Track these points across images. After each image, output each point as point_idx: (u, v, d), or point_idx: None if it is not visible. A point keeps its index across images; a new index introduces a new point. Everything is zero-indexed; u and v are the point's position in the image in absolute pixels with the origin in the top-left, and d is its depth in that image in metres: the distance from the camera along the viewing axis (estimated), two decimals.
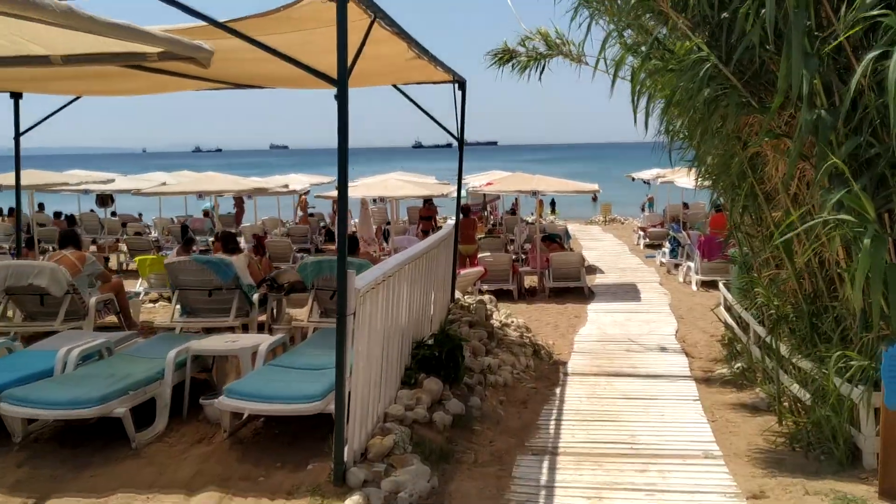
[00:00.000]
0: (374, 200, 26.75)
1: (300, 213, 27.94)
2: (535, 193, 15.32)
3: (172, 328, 8.43)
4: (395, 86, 9.95)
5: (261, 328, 8.87)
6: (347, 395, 4.86)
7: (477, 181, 24.19)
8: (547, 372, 8.98)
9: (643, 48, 8.43)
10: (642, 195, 44.53)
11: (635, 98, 7.84)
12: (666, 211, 27.79)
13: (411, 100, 9.85)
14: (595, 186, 16.16)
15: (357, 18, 5.40)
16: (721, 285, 11.09)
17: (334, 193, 16.72)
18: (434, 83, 9.84)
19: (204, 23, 4.59)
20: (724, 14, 5.59)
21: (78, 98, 9.96)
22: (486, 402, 7.05)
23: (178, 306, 8.72)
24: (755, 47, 5.18)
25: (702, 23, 6.01)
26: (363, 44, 5.16)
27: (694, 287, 15.71)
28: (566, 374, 8.94)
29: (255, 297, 8.53)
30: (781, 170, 5.81)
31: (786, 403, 6.87)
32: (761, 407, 7.33)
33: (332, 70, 4.72)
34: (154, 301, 13.32)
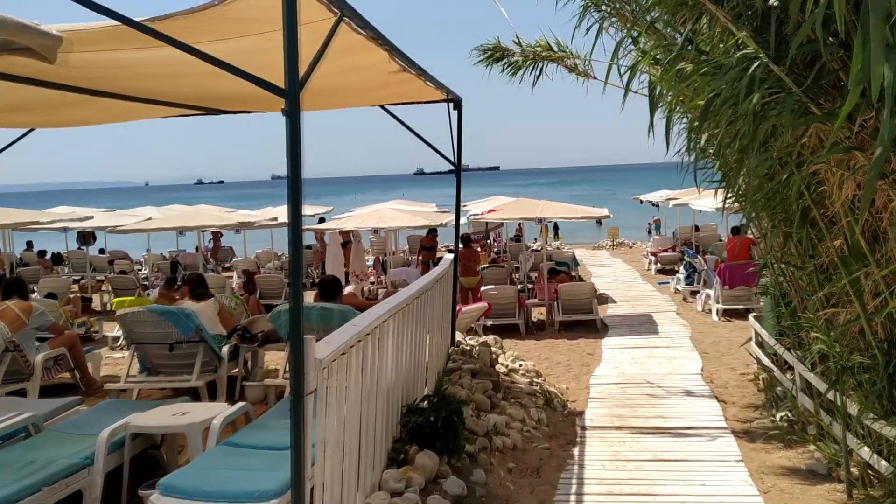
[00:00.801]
0: (375, 231, 25.70)
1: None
2: (540, 220, 14.26)
3: (130, 389, 7.32)
4: (383, 107, 8.93)
5: (233, 384, 7.77)
6: (310, 493, 3.76)
7: (479, 208, 23.20)
8: (562, 426, 7.84)
9: (660, 56, 7.44)
10: (649, 218, 43.51)
11: (653, 112, 6.83)
12: (676, 234, 26.69)
13: (402, 122, 8.84)
14: (604, 212, 15.10)
15: (318, 18, 4.38)
16: (752, 318, 9.96)
17: (323, 226, 15.68)
18: (426, 103, 8.82)
19: (114, 22, 3.56)
20: (774, 2, 4.54)
21: (31, 131, 8.98)
22: (491, 475, 5.91)
23: (137, 363, 7.62)
24: (817, 41, 4.12)
25: (743, 16, 4.96)
26: (325, 46, 4.10)
27: (714, 317, 14.57)
28: (584, 429, 7.79)
29: (225, 349, 7.42)
30: (847, 190, 4.72)
31: (853, 468, 5.72)
32: (820, 471, 6.18)
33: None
34: None
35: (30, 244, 31.05)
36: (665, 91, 7.06)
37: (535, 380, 8.93)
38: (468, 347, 8.91)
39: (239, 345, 7.56)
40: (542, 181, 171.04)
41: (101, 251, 27.57)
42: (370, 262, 24.50)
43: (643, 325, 14.26)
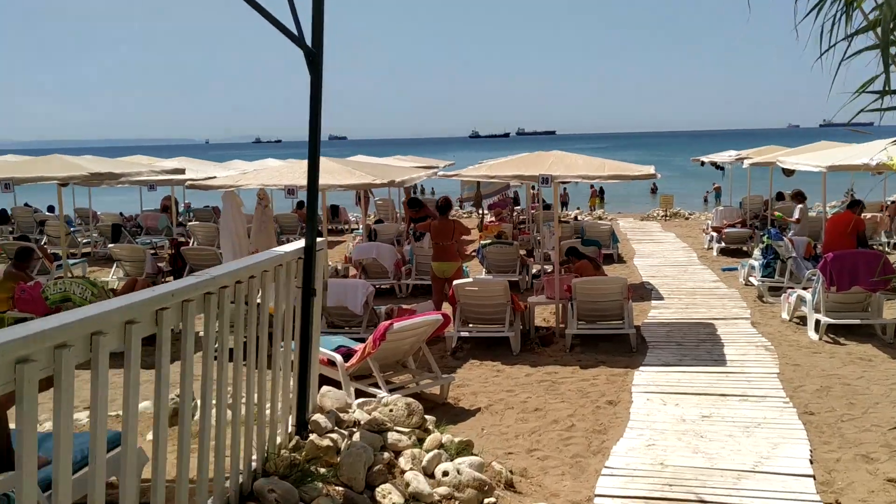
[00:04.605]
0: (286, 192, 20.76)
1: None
2: (545, 181, 9.30)
3: None
4: None
5: None
6: None
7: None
8: None
9: None
10: (710, 186, 37.78)
11: None
12: (744, 204, 21.25)
13: None
14: (650, 170, 10.05)
15: None
16: None
17: (212, 182, 10.96)
18: None
19: None
20: None
21: None
22: None
23: None
24: None
25: None
26: None
27: (812, 334, 9.52)
28: None
29: None
30: None
31: None
32: None
33: None
34: None
35: None
36: None
37: None
38: (326, 443, 4.16)
39: None
40: (598, 145, 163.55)
41: (51, 209, 23.31)
42: (360, 231, 19.85)
43: (702, 343, 9.32)
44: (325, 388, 4.99)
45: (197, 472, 3.10)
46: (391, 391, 6.94)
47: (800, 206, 14.66)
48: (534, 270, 14.29)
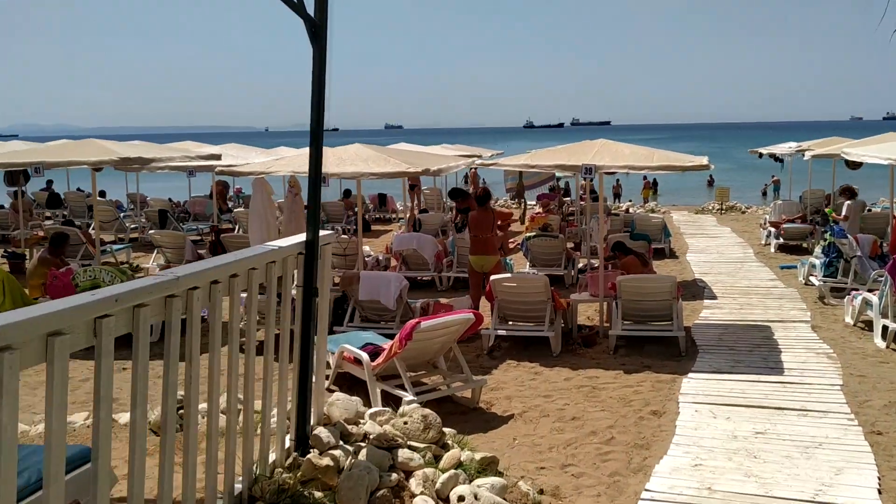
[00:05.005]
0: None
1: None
2: (588, 170, 8.72)
3: None
4: None
5: None
6: None
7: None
8: None
9: None
10: (768, 179, 36.39)
11: None
12: (804, 198, 20.28)
13: None
14: (703, 160, 9.38)
15: None
16: None
17: (242, 169, 10.58)
18: None
19: None
20: None
21: None
22: None
23: None
24: None
25: None
26: None
27: (879, 341, 8.80)
28: None
29: None
30: None
31: None
32: None
33: None
34: None
35: (49, 183, 27.58)
36: None
37: None
38: (325, 462, 3.72)
39: None
40: (650, 136, 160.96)
41: (102, 193, 23.45)
42: (405, 220, 19.47)
43: (757, 349, 8.66)
44: (334, 396, 4.57)
45: (157, 496, 2.68)
46: (419, 393, 6.52)
47: (848, 202, 13.82)
48: (580, 265, 13.73)
